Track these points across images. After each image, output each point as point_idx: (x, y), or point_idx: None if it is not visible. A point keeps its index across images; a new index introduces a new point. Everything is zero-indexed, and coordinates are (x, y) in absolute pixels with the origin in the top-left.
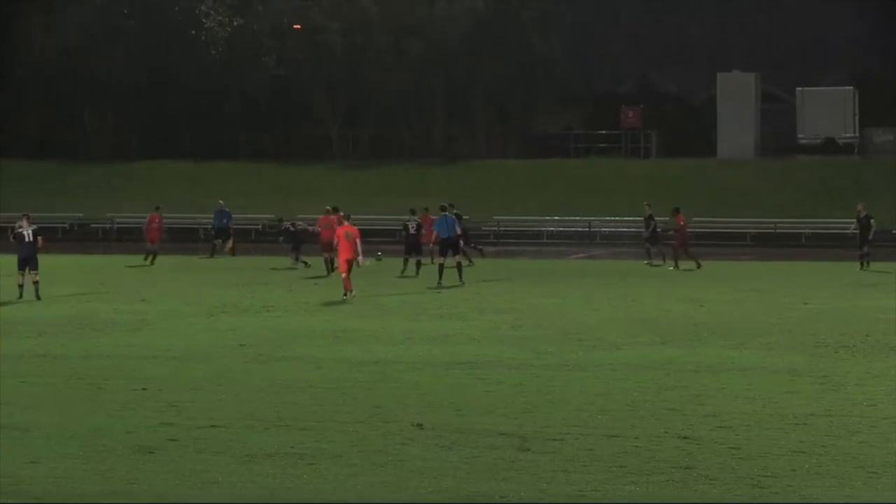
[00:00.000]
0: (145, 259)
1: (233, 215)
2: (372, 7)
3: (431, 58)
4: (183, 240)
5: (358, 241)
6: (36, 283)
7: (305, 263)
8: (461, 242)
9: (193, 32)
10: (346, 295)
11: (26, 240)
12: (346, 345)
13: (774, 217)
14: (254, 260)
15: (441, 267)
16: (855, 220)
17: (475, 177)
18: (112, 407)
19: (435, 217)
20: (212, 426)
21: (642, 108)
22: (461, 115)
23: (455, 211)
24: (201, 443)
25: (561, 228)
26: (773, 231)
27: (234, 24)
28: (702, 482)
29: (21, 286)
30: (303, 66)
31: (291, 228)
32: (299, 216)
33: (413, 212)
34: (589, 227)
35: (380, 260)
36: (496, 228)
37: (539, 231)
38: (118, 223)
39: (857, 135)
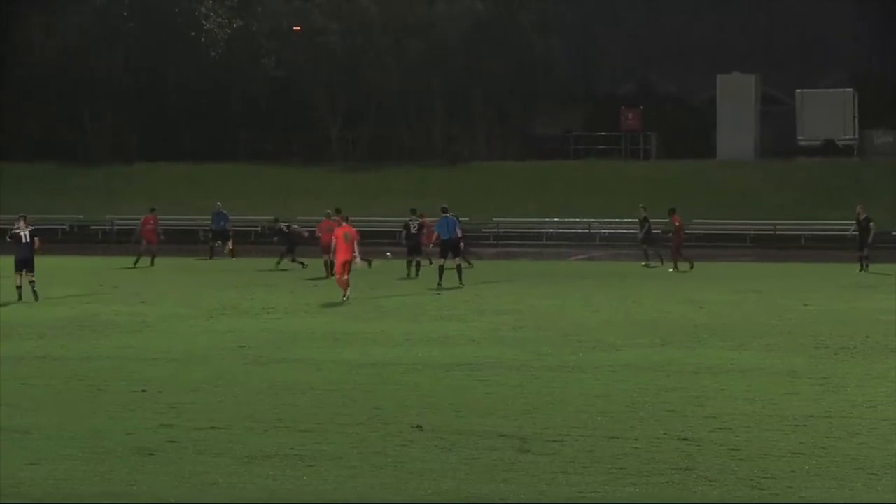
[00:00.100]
0: (136, 263)
1: (231, 217)
2: (371, 8)
3: (431, 59)
4: (182, 241)
5: (356, 243)
6: (32, 282)
7: (302, 264)
8: (461, 245)
9: (193, 34)
10: (345, 296)
11: (23, 241)
12: (345, 347)
13: (774, 219)
14: (253, 262)
15: (441, 268)
16: (855, 223)
17: (475, 178)
18: (112, 408)
19: (429, 219)
20: (212, 428)
21: (642, 110)
22: (461, 116)
23: (451, 213)
24: (201, 444)
25: (561, 230)
26: (772, 232)
27: (234, 25)
28: (701, 483)
29: (19, 288)
30: (302, 68)
31: (286, 230)
32: (299, 217)
33: (414, 211)
34: (589, 229)
35: (389, 260)
36: (496, 230)
37: (539, 233)
38: (118, 225)
39: (857, 136)
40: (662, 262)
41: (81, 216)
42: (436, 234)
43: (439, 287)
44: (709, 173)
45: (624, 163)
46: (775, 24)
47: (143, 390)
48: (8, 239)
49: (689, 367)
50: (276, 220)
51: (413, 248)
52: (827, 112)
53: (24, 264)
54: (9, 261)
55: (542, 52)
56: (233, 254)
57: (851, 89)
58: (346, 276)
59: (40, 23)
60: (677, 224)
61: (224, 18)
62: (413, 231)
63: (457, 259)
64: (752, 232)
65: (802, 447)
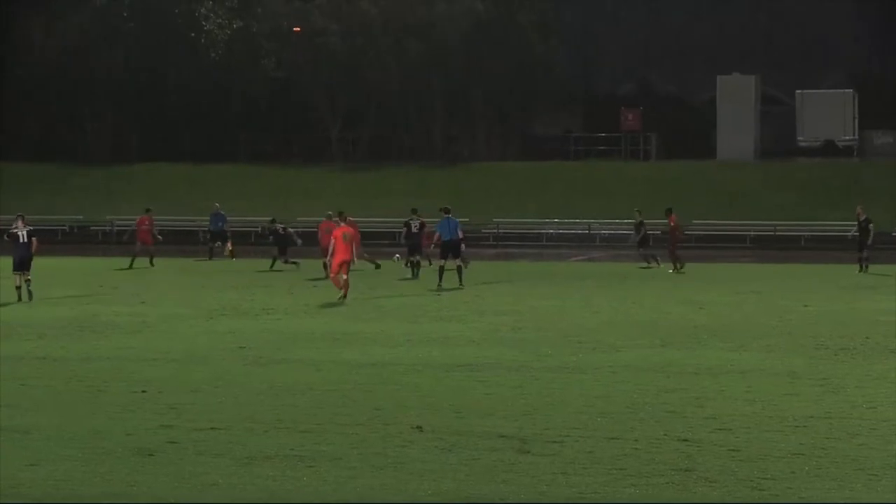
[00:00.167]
0: (131, 264)
1: (231, 218)
2: (371, 9)
3: (431, 59)
4: (182, 242)
5: (355, 242)
6: (28, 281)
7: (295, 263)
8: (462, 246)
9: (193, 35)
10: (345, 296)
11: (20, 241)
12: (345, 347)
13: (774, 219)
14: (253, 262)
15: (441, 269)
16: (856, 224)
17: (475, 179)
18: (112, 409)
19: (428, 220)
20: (211, 428)
21: (642, 110)
22: (461, 116)
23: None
24: (201, 445)
25: (561, 231)
26: (772, 233)
27: (234, 26)
28: (701, 484)
29: (19, 288)
30: (302, 68)
31: (281, 231)
32: (299, 218)
33: (415, 211)
34: (588, 230)
35: (398, 262)
36: (496, 231)
37: (539, 233)
38: (118, 225)
39: (857, 137)
40: (659, 263)
41: (81, 217)
42: (437, 234)
43: (439, 288)
44: (709, 174)
45: (624, 163)
46: (775, 24)
47: (143, 391)
48: (6, 238)
49: (690, 367)
50: (274, 221)
51: (413, 247)
52: (827, 112)
53: (22, 264)
54: (9, 261)
55: (542, 52)
56: (232, 255)
57: (851, 90)
58: (345, 277)
59: (40, 23)
60: (672, 224)
61: (224, 19)
62: (414, 230)
63: (457, 260)
64: (751, 233)
65: (802, 448)
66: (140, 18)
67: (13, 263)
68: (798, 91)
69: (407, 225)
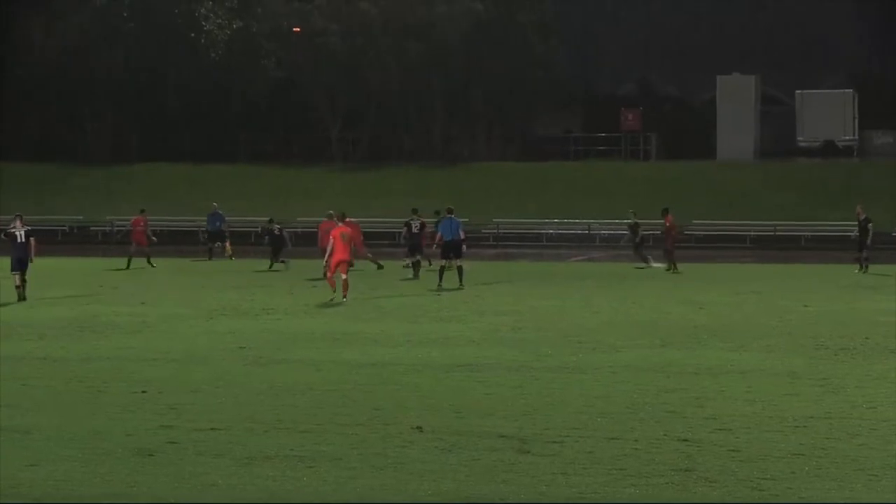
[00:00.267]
0: (128, 264)
1: (231, 218)
2: (371, 9)
3: (431, 59)
4: (182, 242)
5: (357, 242)
6: (25, 281)
7: (283, 263)
8: (464, 246)
9: (193, 35)
10: (344, 296)
11: (18, 241)
12: (345, 347)
13: (774, 219)
14: (252, 263)
15: (442, 269)
16: (857, 224)
17: (475, 179)
18: (112, 409)
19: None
20: (211, 429)
21: (642, 110)
22: (461, 116)
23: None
24: (201, 445)
25: (560, 231)
26: (772, 233)
27: (234, 26)
28: (701, 484)
29: (18, 288)
30: (302, 69)
31: (277, 232)
32: (299, 218)
33: (415, 211)
34: (588, 230)
35: (406, 266)
36: (496, 231)
37: (539, 233)
38: (118, 226)
39: (857, 137)
40: (651, 264)
41: (81, 217)
42: (439, 234)
43: (439, 288)
44: (709, 174)
45: (624, 163)
46: (775, 24)
47: (143, 391)
48: (2, 236)
49: (689, 368)
50: (271, 221)
51: (414, 247)
52: (827, 113)
53: (21, 264)
54: (8, 261)
55: (542, 52)
56: (232, 255)
57: (851, 90)
58: (344, 277)
59: (40, 23)
60: (668, 224)
61: (224, 19)
62: (415, 230)
63: (458, 260)
64: (752, 233)
65: (802, 448)
66: (140, 18)
67: (11, 263)
68: (798, 91)
69: (407, 225)
